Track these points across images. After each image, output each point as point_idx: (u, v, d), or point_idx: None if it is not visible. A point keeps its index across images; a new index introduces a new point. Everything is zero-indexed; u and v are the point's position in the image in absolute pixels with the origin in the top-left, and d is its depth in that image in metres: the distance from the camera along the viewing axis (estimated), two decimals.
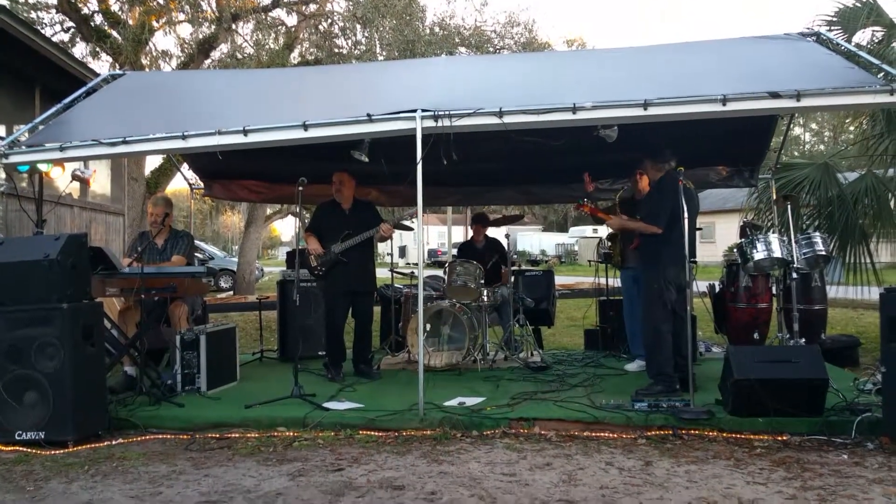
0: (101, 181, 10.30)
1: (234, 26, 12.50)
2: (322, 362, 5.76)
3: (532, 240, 37.12)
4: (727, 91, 4.20)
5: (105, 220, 10.41)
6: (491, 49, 13.54)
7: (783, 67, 4.81)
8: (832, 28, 6.77)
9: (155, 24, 12.34)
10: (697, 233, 5.06)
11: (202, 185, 7.39)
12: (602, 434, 3.98)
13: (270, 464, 3.57)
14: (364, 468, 3.46)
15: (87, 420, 4.01)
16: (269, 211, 17.85)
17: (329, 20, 13.72)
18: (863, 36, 6.88)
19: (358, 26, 13.20)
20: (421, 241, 5.26)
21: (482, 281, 6.07)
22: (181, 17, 12.59)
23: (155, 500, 3.11)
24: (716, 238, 24.95)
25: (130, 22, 12.09)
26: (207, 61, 12.84)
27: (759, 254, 5.30)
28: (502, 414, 4.22)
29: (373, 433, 4.04)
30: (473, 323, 5.93)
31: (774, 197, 6.59)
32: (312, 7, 13.89)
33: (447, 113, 4.33)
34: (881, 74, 4.32)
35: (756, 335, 5.98)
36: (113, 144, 4.71)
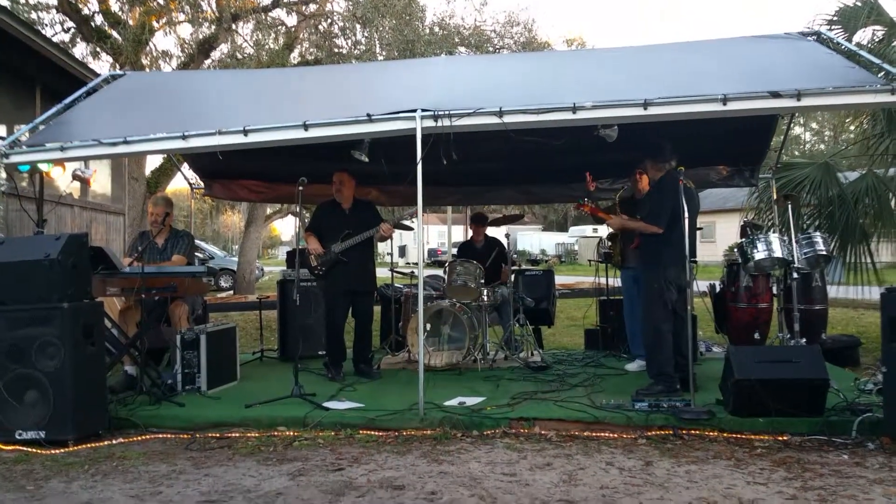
0: (101, 181, 10.31)
1: (234, 26, 12.51)
2: (322, 362, 5.76)
3: (532, 239, 37.11)
4: (728, 90, 4.20)
5: (105, 219, 10.41)
6: (491, 49, 13.53)
7: (784, 67, 4.81)
8: (832, 27, 6.77)
9: (155, 24, 12.36)
10: (698, 232, 5.06)
11: (202, 184, 7.39)
12: (602, 434, 3.98)
13: (271, 463, 3.57)
14: (364, 468, 3.46)
15: (88, 419, 4.01)
16: (269, 210, 17.86)
17: (329, 20, 13.73)
18: (863, 35, 6.89)
19: (358, 26, 13.20)
20: (421, 240, 5.26)
21: (482, 280, 6.07)
22: (181, 17, 12.61)
23: (155, 500, 3.11)
24: (716, 237, 24.94)
25: (131, 22, 12.10)
26: (207, 61, 12.84)
27: (759, 253, 5.29)
28: (502, 414, 4.22)
29: (373, 433, 4.04)
30: (473, 322, 5.93)
31: (775, 196, 6.59)
32: (312, 7, 13.90)
33: (447, 113, 4.33)
34: (882, 74, 4.31)
35: (757, 335, 5.98)
36: (113, 144, 4.71)
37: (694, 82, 4.66)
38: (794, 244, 5.31)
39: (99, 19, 12.66)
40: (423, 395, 4.28)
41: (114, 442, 3.98)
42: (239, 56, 12.44)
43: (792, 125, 7.59)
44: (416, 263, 4.89)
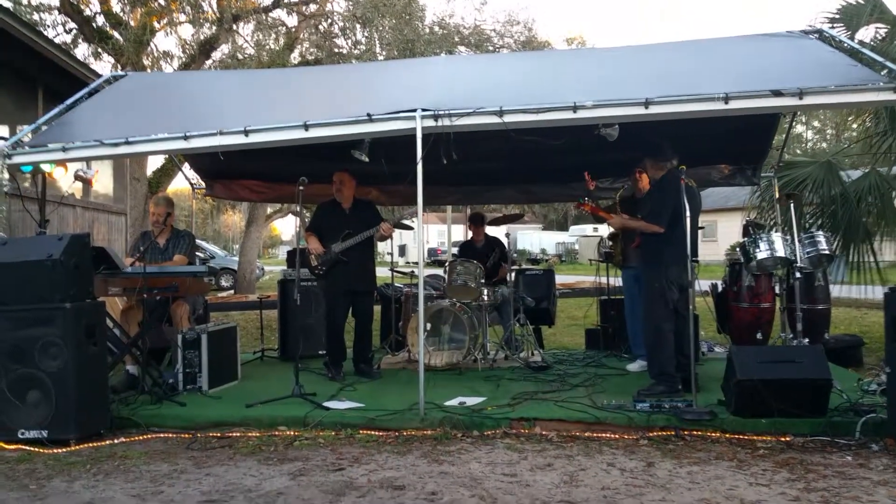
0: (103, 181, 10.33)
1: (234, 27, 12.53)
2: (322, 361, 5.76)
3: (532, 238, 37.07)
4: (729, 89, 4.19)
5: (107, 219, 10.42)
6: (490, 48, 13.53)
7: (785, 65, 4.79)
8: (835, 25, 6.74)
9: (156, 25, 12.37)
10: (699, 231, 5.05)
11: (203, 184, 7.40)
12: (604, 434, 3.97)
13: (271, 463, 3.57)
14: (365, 468, 3.46)
15: (90, 419, 4.02)
16: (269, 210, 17.86)
17: (329, 20, 13.73)
18: (866, 33, 6.87)
19: (358, 26, 13.21)
20: (421, 240, 5.25)
21: (482, 280, 6.06)
22: (182, 17, 12.63)
23: (156, 500, 3.11)
24: (717, 237, 24.91)
25: (132, 23, 12.12)
26: (208, 62, 12.86)
27: (762, 253, 5.28)
28: (503, 414, 4.22)
29: (373, 433, 4.04)
30: (474, 322, 5.92)
31: (777, 195, 6.57)
32: (312, 7, 13.91)
33: (447, 112, 4.33)
34: (884, 72, 4.29)
35: (759, 335, 5.96)
36: (115, 145, 4.71)
37: (695, 81, 4.64)
38: (797, 243, 5.29)
39: (100, 20, 12.69)
40: (423, 395, 4.27)
41: (115, 441, 3.99)
42: (240, 56, 12.46)
43: (794, 124, 7.56)
44: (416, 263, 4.88)
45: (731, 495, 3.05)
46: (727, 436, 3.90)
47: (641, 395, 4.45)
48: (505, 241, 6.88)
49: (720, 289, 6.46)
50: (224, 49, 12.88)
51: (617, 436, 3.95)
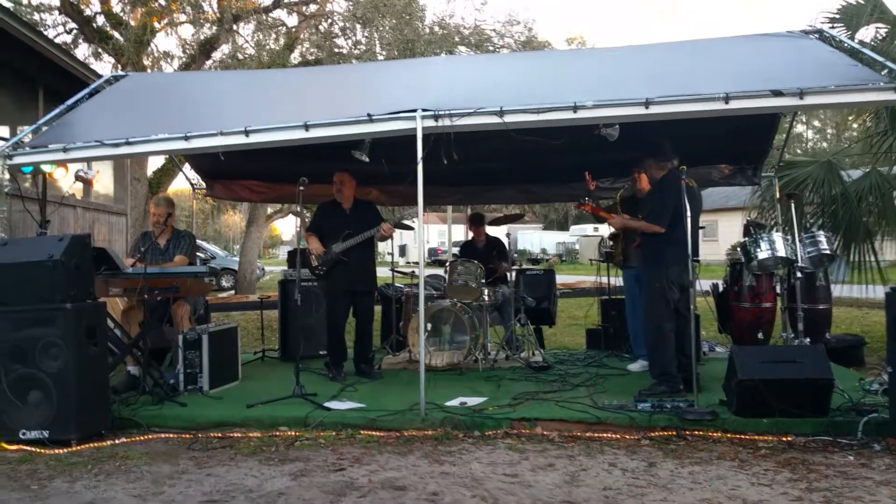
0: (104, 182, 10.33)
1: (235, 27, 12.52)
2: (323, 362, 5.75)
3: (532, 238, 37.08)
4: (730, 89, 4.19)
5: (108, 220, 10.42)
6: (491, 48, 13.53)
7: (786, 65, 4.79)
8: (835, 25, 6.74)
9: (157, 25, 12.37)
10: (700, 231, 5.04)
11: (204, 185, 7.40)
12: (605, 435, 3.97)
13: (272, 463, 3.57)
14: (366, 468, 3.46)
15: (91, 419, 4.01)
16: (269, 210, 17.86)
17: (329, 20, 13.73)
18: (866, 33, 6.87)
19: (358, 26, 13.21)
20: (421, 240, 5.25)
21: (483, 280, 6.06)
22: (182, 18, 12.63)
23: (158, 500, 3.11)
24: (718, 236, 24.90)
25: (132, 23, 12.12)
26: (209, 62, 12.86)
27: (762, 253, 5.27)
28: (504, 414, 4.21)
29: (374, 433, 4.04)
30: (475, 322, 5.92)
31: (778, 195, 6.57)
32: (313, 7, 13.91)
33: (447, 112, 4.33)
34: (885, 72, 4.29)
35: (760, 335, 5.96)
36: (116, 145, 4.72)
37: (696, 81, 4.64)
38: (798, 243, 5.29)
39: (101, 20, 12.70)
40: (424, 395, 4.27)
41: (116, 442, 3.99)
42: (240, 56, 12.46)
43: (794, 123, 7.55)
44: (417, 263, 4.88)
45: (733, 495, 3.05)
46: (729, 436, 3.90)
47: (643, 395, 4.45)
48: (505, 240, 6.88)
49: (721, 289, 6.45)
50: (224, 49, 12.90)
51: (618, 436, 3.95)
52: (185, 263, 5.38)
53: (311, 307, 6.35)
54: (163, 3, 12.49)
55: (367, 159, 4.87)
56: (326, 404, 4.48)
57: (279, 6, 13.51)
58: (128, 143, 4.70)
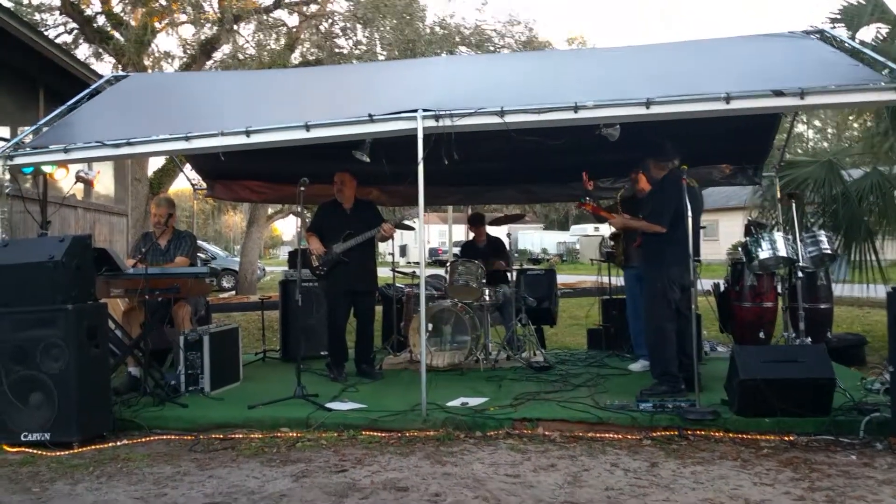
0: (104, 182, 10.32)
1: (235, 27, 12.51)
2: (324, 362, 5.75)
3: (533, 238, 37.08)
4: (731, 89, 4.18)
5: (109, 220, 10.42)
6: (491, 48, 13.52)
7: (787, 65, 4.78)
8: (836, 25, 6.74)
9: (157, 25, 12.36)
10: (701, 231, 5.04)
11: (205, 185, 7.40)
12: (607, 435, 3.97)
13: (274, 465, 3.57)
14: (367, 469, 3.46)
15: (92, 421, 4.01)
16: (270, 211, 17.86)
17: (330, 20, 13.72)
18: (867, 33, 6.87)
19: (359, 26, 13.20)
20: (422, 240, 5.25)
21: (484, 280, 6.05)
22: (183, 18, 12.62)
23: (160, 502, 3.10)
24: (719, 236, 24.89)
25: (133, 23, 12.12)
26: (209, 62, 12.86)
27: (764, 253, 5.27)
28: (505, 414, 4.21)
29: (376, 434, 4.04)
30: (476, 322, 5.92)
31: (779, 195, 6.57)
32: (313, 7, 13.90)
33: (448, 112, 4.33)
34: (886, 71, 4.28)
35: (762, 334, 5.96)
36: (117, 146, 4.72)
37: (696, 81, 4.64)
38: (799, 243, 5.29)
39: (101, 20, 12.70)
40: (425, 395, 4.27)
41: (118, 443, 3.99)
42: (241, 57, 12.45)
43: (795, 123, 7.55)
44: (418, 263, 4.88)
45: (735, 495, 3.04)
46: (731, 435, 3.89)
47: (644, 395, 4.44)
48: (506, 241, 6.88)
49: (722, 288, 6.45)
50: (225, 49, 12.88)
51: (620, 436, 3.95)
52: (187, 265, 5.37)
53: (312, 308, 6.35)
54: (163, 3, 12.49)
55: (368, 159, 4.86)
56: (328, 405, 4.48)
57: (280, 6, 13.50)
58: (129, 144, 4.70)
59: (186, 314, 5.30)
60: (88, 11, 12.73)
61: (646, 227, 4.77)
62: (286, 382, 4.92)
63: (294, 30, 13.89)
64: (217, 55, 13.00)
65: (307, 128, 4.50)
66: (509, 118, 4.32)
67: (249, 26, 13.01)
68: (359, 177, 5.75)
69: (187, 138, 4.62)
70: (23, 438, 3.88)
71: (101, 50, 12.77)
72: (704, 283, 5.91)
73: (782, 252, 5.23)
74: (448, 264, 6.42)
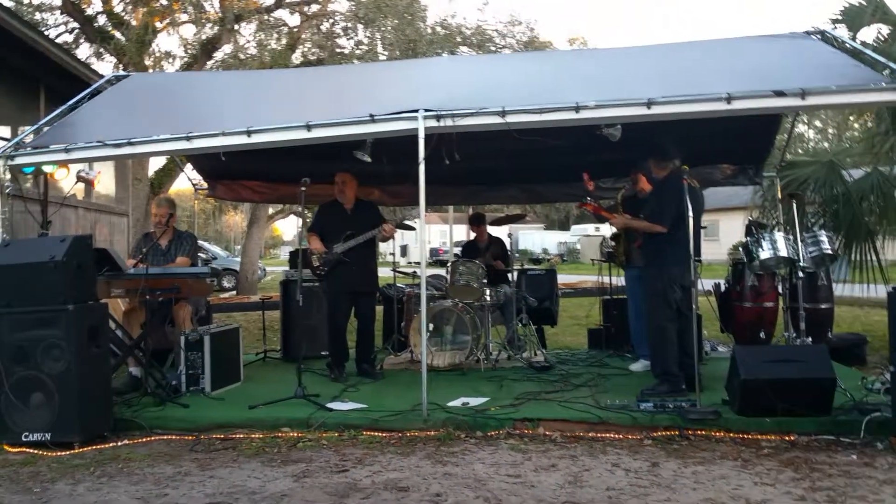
0: (105, 182, 10.32)
1: (236, 27, 12.50)
2: (325, 362, 5.75)
3: (534, 238, 37.07)
4: (732, 89, 4.19)
5: (109, 220, 10.42)
6: (493, 48, 13.52)
7: (788, 66, 4.79)
8: (837, 26, 6.75)
9: (158, 25, 12.36)
10: (702, 231, 5.04)
11: (205, 185, 7.40)
12: (607, 435, 3.97)
13: (275, 465, 3.57)
14: (368, 469, 3.46)
15: (93, 421, 4.02)
16: (271, 211, 17.86)
17: (331, 20, 13.71)
18: (868, 34, 6.87)
19: (360, 26, 13.19)
20: (423, 240, 5.25)
21: (485, 280, 6.05)
22: (184, 17, 12.60)
23: (161, 502, 3.11)
24: (720, 236, 24.87)
25: (134, 23, 12.12)
26: (210, 62, 12.84)
27: (764, 253, 5.27)
28: (506, 414, 4.21)
29: (377, 434, 4.04)
30: (476, 322, 5.92)
31: (779, 195, 6.57)
32: (314, 7, 13.89)
33: (450, 113, 4.33)
34: (886, 72, 4.28)
35: (762, 334, 5.96)
36: (118, 146, 4.72)
37: (698, 81, 4.64)
38: (800, 243, 5.29)
39: (102, 20, 12.69)
40: (426, 395, 4.27)
41: (119, 444, 3.99)
42: (242, 56, 12.44)
43: (796, 123, 7.56)
44: (418, 263, 4.88)
45: (736, 495, 3.04)
46: (731, 435, 3.89)
47: (645, 395, 4.44)
48: (507, 241, 6.87)
49: (723, 288, 6.45)
50: (226, 49, 12.87)
51: (621, 436, 3.95)
52: (188, 265, 5.37)
53: (313, 308, 6.34)
54: (164, 2, 12.48)
55: (369, 159, 4.86)
56: (328, 405, 4.48)
57: (281, 6, 13.50)
58: (130, 144, 4.70)
59: (187, 314, 5.31)
60: (89, 11, 12.73)
61: (647, 227, 4.77)
62: (287, 382, 4.92)
63: (295, 30, 13.88)
64: (218, 55, 13.00)
65: (308, 128, 4.51)
66: (511, 118, 4.32)
67: (250, 26, 13.02)
68: (360, 177, 5.76)
69: (188, 138, 4.62)
70: (24, 438, 3.89)
71: (101, 50, 12.76)
72: (705, 283, 5.90)
73: (783, 252, 5.23)
74: (449, 264, 6.42)
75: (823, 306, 6.28)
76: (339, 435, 4.03)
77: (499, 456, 3.64)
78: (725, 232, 24.13)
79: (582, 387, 5.00)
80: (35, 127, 5.36)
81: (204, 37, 12.52)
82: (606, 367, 5.89)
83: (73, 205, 8.78)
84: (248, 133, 4.55)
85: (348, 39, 13.60)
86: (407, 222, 6.07)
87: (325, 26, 13.78)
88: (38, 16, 12.72)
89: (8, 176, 4.90)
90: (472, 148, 4.67)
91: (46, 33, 10.37)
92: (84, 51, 13.16)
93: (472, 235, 7.18)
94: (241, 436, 4.08)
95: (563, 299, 8.87)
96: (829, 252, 5.53)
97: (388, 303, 6.86)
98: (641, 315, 5.45)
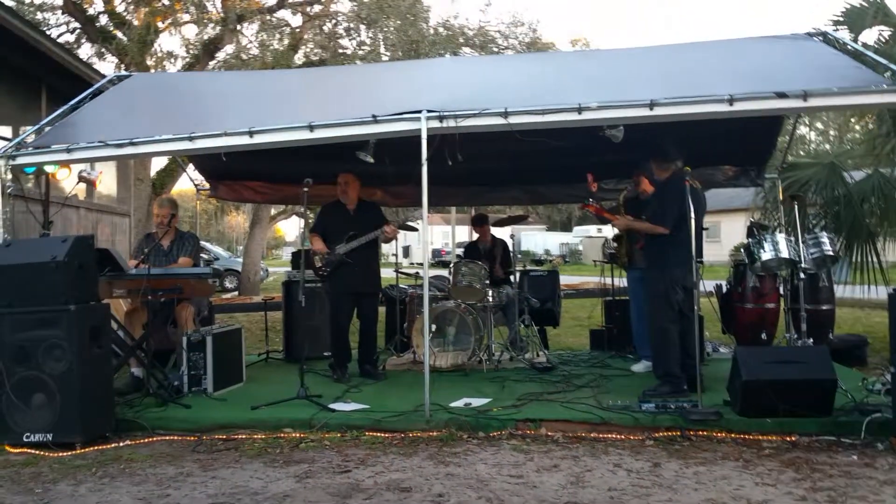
0: (107, 182, 10.33)
1: (239, 27, 12.51)
2: (327, 363, 5.76)
3: (536, 239, 37.09)
4: (734, 91, 4.19)
5: (111, 221, 10.43)
6: (495, 49, 13.53)
7: (790, 67, 4.79)
8: (838, 28, 6.75)
9: (160, 25, 12.37)
10: (703, 232, 5.04)
11: (208, 185, 7.41)
12: (609, 435, 3.97)
13: (277, 465, 3.57)
14: (371, 470, 3.46)
15: (95, 422, 4.02)
16: (273, 211, 17.87)
17: (333, 21, 13.73)
18: (870, 35, 6.87)
19: (362, 27, 13.21)
20: (425, 241, 5.25)
21: (487, 281, 6.06)
22: (186, 17, 12.61)
23: (162, 503, 3.11)
24: (721, 237, 24.85)
25: (136, 23, 12.13)
26: (212, 62, 12.86)
27: (766, 254, 5.26)
28: (508, 415, 4.21)
29: (379, 434, 4.04)
30: (479, 323, 5.92)
31: (781, 197, 6.57)
32: (317, 8, 13.91)
33: (452, 113, 4.33)
34: (888, 74, 4.29)
35: (764, 335, 5.96)
36: (120, 146, 4.72)
37: (700, 83, 4.64)
38: (801, 244, 5.29)
39: (104, 20, 12.71)
40: (428, 396, 4.27)
41: (121, 444, 3.99)
42: (244, 57, 12.45)
43: (797, 125, 7.56)
44: (421, 264, 4.88)
45: (737, 495, 3.05)
46: (733, 436, 3.90)
47: (647, 396, 4.45)
48: (510, 242, 6.88)
49: (725, 289, 6.45)
50: (228, 49, 12.88)
51: (623, 436, 3.95)
52: (190, 265, 5.37)
53: (315, 308, 6.35)
54: (166, 2, 12.49)
55: (372, 160, 4.87)
56: (331, 406, 4.49)
57: (283, 6, 13.51)
58: (132, 144, 4.71)
59: (189, 315, 5.31)
60: (91, 11, 12.75)
61: (649, 228, 4.78)
62: (289, 383, 4.92)
63: (297, 30, 13.90)
64: (220, 55, 13.01)
65: (311, 128, 4.51)
66: (513, 119, 4.32)
67: (253, 26, 13.04)
68: (362, 177, 5.76)
69: (191, 138, 4.62)
70: (25, 439, 3.89)
71: (103, 50, 12.78)
72: (707, 285, 5.90)
73: (784, 253, 5.22)
74: (451, 265, 6.42)
75: (825, 307, 6.28)
76: (341, 435, 4.04)
77: (501, 456, 3.64)
78: (727, 233, 24.10)
79: (584, 387, 5.00)
80: (37, 127, 5.37)
81: (206, 37, 12.53)
82: (608, 367, 5.89)
83: (74, 205, 8.80)
84: (251, 133, 4.56)
85: (350, 40, 13.63)
86: (409, 223, 6.08)
87: (327, 27, 13.80)
88: (39, 15, 12.74)
89: (9, 176, 4.91)
90: (475, 149, 4.68)
91: (48, 33, 10.38)
92: (86, 51, 13.20)
93: (475, 236, 7.18)
94: (244, 436, 4.08)
95: (565, 300, 8.87)
96: (831, 253, 5.53)
97: (390, 304, 6.86)
98: (643, 316, 5.45)
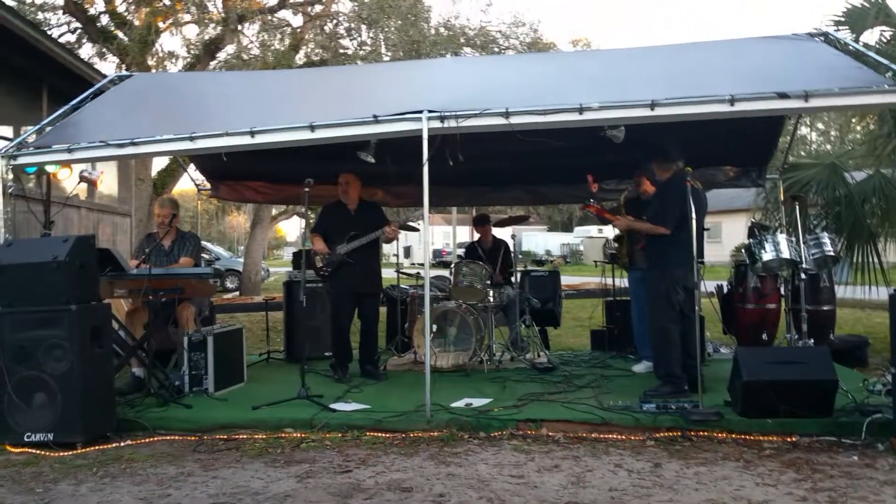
0: (108, 182, 10.34)
1: (240, 27, 12.52)
2: (328, 363, 5.76)
3: (537, 240, 37.08)
4: (735, 91, 4.19)
5: (112, 220, 10.44)
6: (496, 49, 13.54)
7: (791, 68, 4.79)
8: (839, 28, 6.75)
9: (161, 25, 12.38)
10: (705, 233, 5.04)
11: (209, 186, 7.41)
12: (610, 436, 3.97)
13: (278, 465, 3.57)
14: (372, 470, 3.46)
15: (96, 421, 4.02)
16: (274, 211, 17.88)
17: (334, 21, 13.74)
18: (871, 36, 6.87)
19: (363, 27, 13.22)
20: (426, 241, 5.25)
21: (488, 281, 6.06)
22: (187, 17, 12.63)
23: (163, 503, 3.11)
24: (722, 238, 24.83)
25: (136, 23, 12.15)
26: (213, 62, 12.87)
27: (767, 254, 5.26)
28: (509, 415, 4.21)
29: (380, 434, 4.04)
30: (480, 323, 5.92)
31: (782, 197, 6.57)
32: (318, 8, 13.92)
33: (453, 114, 4.33)
34: (889, 74, 4.29)
35: (765, 336, 5.95)
36: (121, 146, 4.73)
37: (701, 83, 4.64)
38: (802, 245, 5.29)
39: (105, 20, 12.72)
40: (429, 396, 4.27)
41: (122, 444, 3.99)
42: (245, 57, 12.46)
43: (798, 125, 7.56)
44: (422, 264, 4.88)
45: (738, 496, 3.05)
46: (734, 436, 3.90)
47: (648, 396, 4.45)
48: (511, 242, 6.88)
49: (726, 290, 6.45)
50: (229, 49, 12.89)
51: (623, 437, 3.95)
52: (191, 265, 5.37)
53: (316, 309, 6.34)
54: (167, 2, 12.51)
55: (373, 160, 4.87)
56: (332, 406, 4.49)
57: (284, 6, 13.53)
58: (133, 144, 4.71)
59: (190, 315, 5.31)
60: (92, 11, 12.77)
61: (650, 228, 4.78)
62: (290, 383, 4.93)
63: (298, 30, 13.91)
64: (221, 55, 13.03)
65: (312, 128, 4.51)
66: (514, 119, 4.32)
67: (254, 26, 13.04)
68: (363, 178, 5.76)
69: (192, 138, 4.63)
70: (26, 439, 3.89)
71: (104, 50, 12.80)
72: (708, 285, 5.90)
73: (785, 254, 5.22)
74: (452, 265, 6.42)
75: (825, 308, 6.28)
76: (342, 436, 4.04)
77: (502, 457, 3.65)
78: (728, 234, 24.10)
79: (585, 388, 5.00)
80: (38, 127, 5.37)
81: (207, 37, 12.54)
82: (609, 368, 5.89)
83: (75, 205, 8.80)
84: (252, 133, 4.56)
85: (351, 40, 13.64)
86: (410, 223, 6.08)
87: (328, 27, 13.81)
88: (40, 15, 12.76)
89: (10, 176, 4.91)
90: (476, 149, 4.68)
91: (49, 33, 10.39)
92: (87, 51, 13.22)
93: (476, 236, 7.18)
94: (245, 436, 4.09)
95: (566, 301, 8.86)
96: (832, 254, 5.53)
97: (391, 304, 6.86)
98: (644, 316, 5.45)
